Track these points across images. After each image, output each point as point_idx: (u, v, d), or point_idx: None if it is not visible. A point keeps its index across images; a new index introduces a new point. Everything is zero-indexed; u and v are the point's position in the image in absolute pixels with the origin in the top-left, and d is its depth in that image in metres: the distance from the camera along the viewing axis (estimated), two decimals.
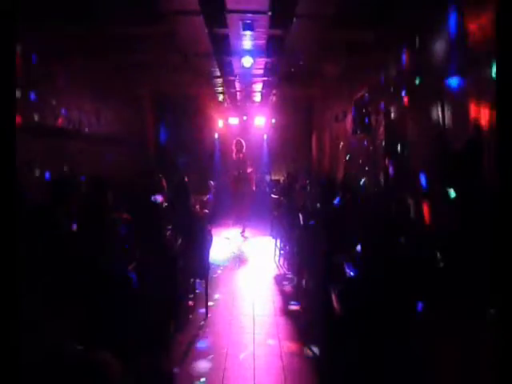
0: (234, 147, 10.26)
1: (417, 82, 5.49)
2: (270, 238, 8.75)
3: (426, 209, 3.97)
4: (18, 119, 4.95)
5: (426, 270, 2.63)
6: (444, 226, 3.38)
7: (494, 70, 3.64)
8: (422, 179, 4.90)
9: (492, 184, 3.02)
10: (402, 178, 5.60)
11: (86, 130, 7.55)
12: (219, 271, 6.85)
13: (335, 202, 5.49)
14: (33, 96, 5.56)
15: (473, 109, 4.18)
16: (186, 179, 5.64)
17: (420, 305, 2.31)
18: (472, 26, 4.18)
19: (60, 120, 6.52)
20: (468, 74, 4.23)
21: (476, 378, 1.75)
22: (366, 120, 7.61)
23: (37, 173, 5.43)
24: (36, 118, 5.71)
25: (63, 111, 6.64)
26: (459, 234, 3.00)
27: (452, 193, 4.01)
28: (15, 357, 1.32)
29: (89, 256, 2.59)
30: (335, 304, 2.86)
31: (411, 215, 4.04)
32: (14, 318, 1.40)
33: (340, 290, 2.84)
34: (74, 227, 3.17)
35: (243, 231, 9.95)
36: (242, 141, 10.31)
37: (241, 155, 10.14)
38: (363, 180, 7.52)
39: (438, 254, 2.93)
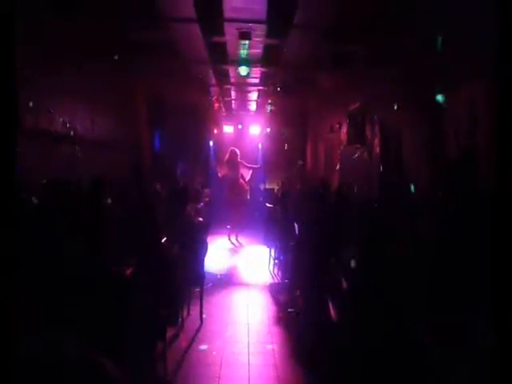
0: (227, 156, 10.30)
1: (411, 93, 5.54)
2: (265, 246, 8.72)
3: (421, 215, 3.98)
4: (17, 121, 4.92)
5: (423, 277, 2.62)
6: (440, 231, 3.39)
7: (490, 80, 3.69)
8: (418, 186, 4.92)
9: (488, 191, 3.03)
10: (397, 186, 5.62)
11: (81, 134, 7.51)
12: (214, 279, 6.80)
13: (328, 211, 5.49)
14: (30, 99, 5.53)
15: (467, 119, 4.22)
16: (184, 187, 5.62)
17: (418, 311, 2.30)
18: (465, 38, 4.24)
19: (55, 123, 6.49)
20: (462, 85, 4.28)
21: (477, 378, 1.75)
22: (362, 131, 7.65)
23: (33, 175, 5.38)
24: (31, 120, 5.68)
25: (59, 115, 6.61)
26: (455, 240, 3.01)
27: (447, 199, 4.03)
28: (12, 357, 1.30)
29: (86, 260, 2.56)
30: (332, 313, 2.85)
31: (407, 223, 4.05)
32: (12, 318, 1.38)
33: (337, 300, 2.83)
34: (72, 230, 3.15)
35: (237, 238, 10.00)
36: (237, 150, 10.36)
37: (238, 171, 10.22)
38: (358, 190, 7.54)
39: (435, 260, 2.94)
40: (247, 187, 10.50)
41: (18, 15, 1.56)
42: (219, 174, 10.57)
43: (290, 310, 5.31)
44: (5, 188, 1.45)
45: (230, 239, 10.04)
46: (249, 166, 10.71)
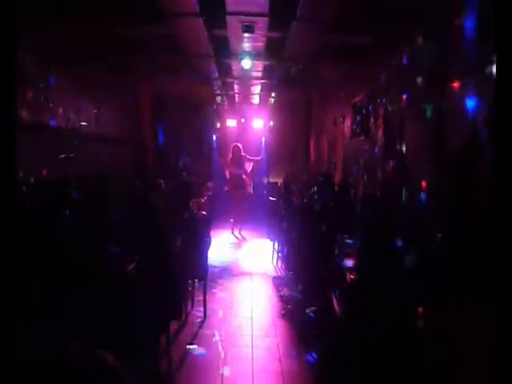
0: (231, 154, 10.30)
1: (415, 85, 5.51)
2: (268, 240, 8.74)
3: (425, 210, 3.98)
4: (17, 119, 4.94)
5: (426, 272, 2.63)
6: (443, 226, 3.39)
7: (493, 71, 3.66)
8: (421, 181, 4.90)
9: (489, 183, 3.02)
10: (401, 180, 5.60)
11: (84, 130, 7.53)
12: (217, 273, 6.82)
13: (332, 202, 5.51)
14: (32, 96, 5.55)
15: (471, 110, 4.19)
16: (187, 181, 5.63)
17: (420, 306, 2.31)
18: (469, 29, 4.20)
19: (57, 119, 6.50)
20: (466, 77, 4.25)
21: (476, 377, 1.75)
22: (365, 123, 7.62)
23: (34, 172, 5.40)
24: (34, 117, 5.69)
25: (61, 111, 6.63)
26: (458, 234, 3.01)
27: (450, 193, 4.01)
28: (12, 357, 1.31)
29: (88, 256, 2.58)
30: (335, 306, 2.86)
31: (410, 217, 4.05)
32: (11, 319, 1.39)
33: (340, 293, 2.84)
34: (73, 228, 3.16)
35: (240, 232, 10.03)
36: (240, 146, 10.35)
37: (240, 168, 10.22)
38: (361, 182, 7.53)
39: (437, 254, 2.94)
40: (250, 181, 10.51)
41: (18, 15, 1.56)
42: (226, 174, 10.58)
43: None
44: (4, 186, 1.46)
45: (233, 233, 10.07)
46: (250, 158, 10.74)
